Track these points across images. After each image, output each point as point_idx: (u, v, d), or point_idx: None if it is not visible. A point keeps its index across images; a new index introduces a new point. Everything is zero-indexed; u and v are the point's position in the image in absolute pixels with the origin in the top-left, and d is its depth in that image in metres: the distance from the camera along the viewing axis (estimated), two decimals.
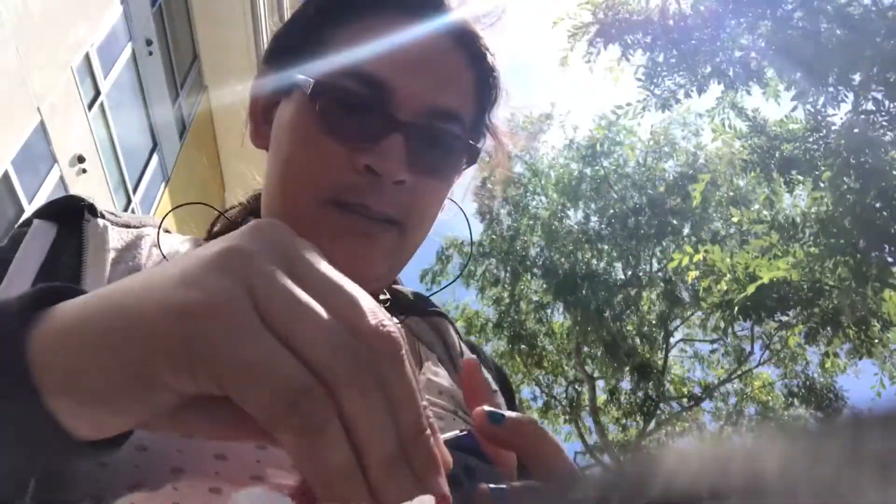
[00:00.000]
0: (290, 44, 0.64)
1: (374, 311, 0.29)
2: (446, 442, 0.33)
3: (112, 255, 0.57)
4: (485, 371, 0.67)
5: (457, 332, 0.72)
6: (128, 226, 0.61)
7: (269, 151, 0.63)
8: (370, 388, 0.27)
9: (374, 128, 0.56)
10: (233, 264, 0.28)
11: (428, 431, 0.28)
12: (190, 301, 0.27)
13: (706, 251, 4.97)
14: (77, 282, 0.52)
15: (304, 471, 0.26)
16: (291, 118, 0.60)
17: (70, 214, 0.58)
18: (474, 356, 0.74)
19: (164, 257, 0.59)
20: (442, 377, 0.63)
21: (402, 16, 0.60)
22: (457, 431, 0.40)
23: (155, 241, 0.60)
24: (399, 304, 0.71)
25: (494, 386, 0.68)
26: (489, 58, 0.64)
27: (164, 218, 0.65)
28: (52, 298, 0.31)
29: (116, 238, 0.59)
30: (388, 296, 0.70)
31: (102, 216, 0.59)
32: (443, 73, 0.60)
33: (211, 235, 0.70)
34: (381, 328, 0.28)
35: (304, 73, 0.59)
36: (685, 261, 4.94)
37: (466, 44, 0.62)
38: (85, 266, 0.54)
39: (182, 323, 0.27)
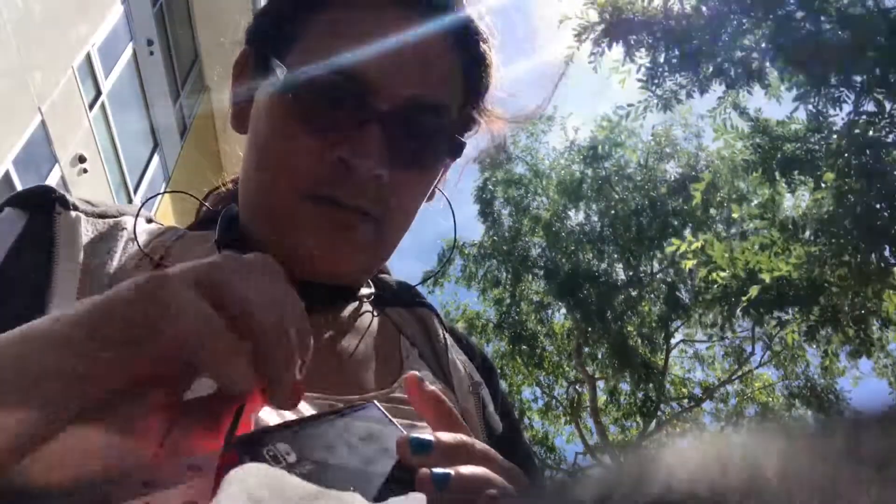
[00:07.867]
0: (270, 26, 0.62)
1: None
2: (348, 413, 0.39)
3: (85, 244, 0.55)
4: (461, 366, 0.64)
5: (441, 323, 0.70)
6: (104, 216, 0.59)
7: (247, 137, 0.61)
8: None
9: (350, 118, 0.54)
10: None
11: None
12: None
13: (705, 240, 5.05)
14: (47, 276, 0.51)
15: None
16: (267, 107, 0.58)
17: (42, 206, 0.56)
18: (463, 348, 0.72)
19: (142, 250, 0.57)
20: (424, 376, 0.60)
21: (383, 2, 0.57)
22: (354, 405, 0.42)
23: (132, 234, 0.58)
24: (382, 296, 0.69)
25: (478, 378, 0.65)
26: (479, 42, 0.61)
27: (140, 208, 0.63)
28: None
29: (90, 229, 0.57)
30: (371, 289, 0.68)
31: (75, 207, 0.57)
32: (425, 62, 0.56)
33: (197, 223, 0.70)
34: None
35: (281, 60, 0.56)
36: (683, 247, 5.01)
37: (453, 29, 0.59)
38: (56, 259, 0.52)
39: None
